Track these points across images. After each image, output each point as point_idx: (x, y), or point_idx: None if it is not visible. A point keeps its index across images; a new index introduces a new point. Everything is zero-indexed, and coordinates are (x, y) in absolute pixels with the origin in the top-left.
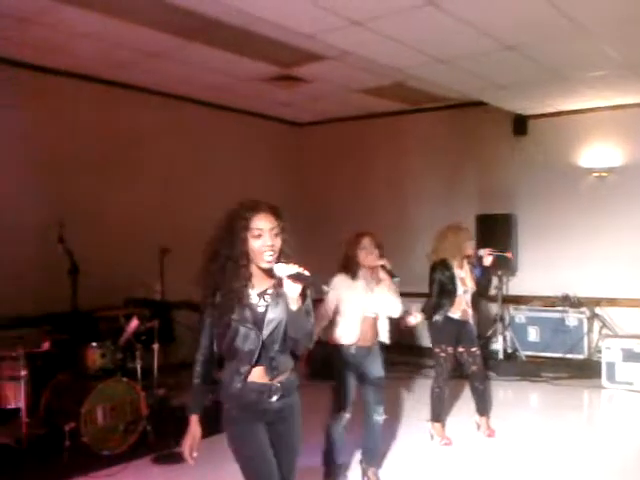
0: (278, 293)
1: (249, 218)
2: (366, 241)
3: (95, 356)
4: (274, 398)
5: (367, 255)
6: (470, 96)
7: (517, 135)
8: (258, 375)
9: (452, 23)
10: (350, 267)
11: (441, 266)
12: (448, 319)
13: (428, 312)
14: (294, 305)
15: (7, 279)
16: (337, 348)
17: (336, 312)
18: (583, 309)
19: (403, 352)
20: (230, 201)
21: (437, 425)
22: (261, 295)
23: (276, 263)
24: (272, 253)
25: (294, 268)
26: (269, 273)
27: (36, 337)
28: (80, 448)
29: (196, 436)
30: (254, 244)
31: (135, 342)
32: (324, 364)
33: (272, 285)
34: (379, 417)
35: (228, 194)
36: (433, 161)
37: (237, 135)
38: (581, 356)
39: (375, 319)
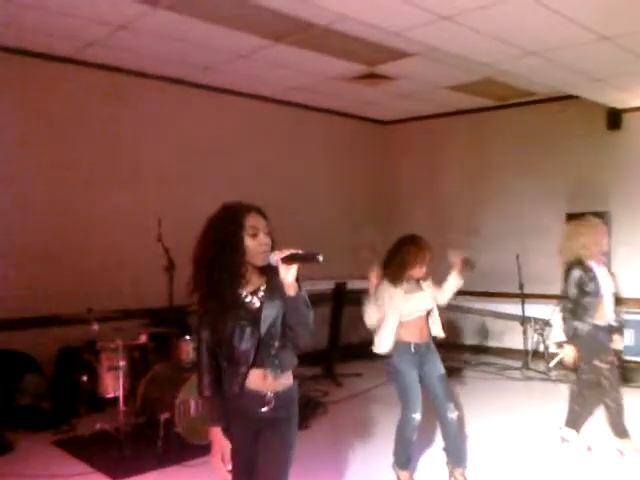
0: (272, 289)
1: (243, 218)
2: (427, 257)
3: (189, 349)
4: (265, 408)
5: (420, 270)
6: (562, 90)
7: (611, 129)
8: (255, 379)
9: (546, 14)
10: (397, 273)
11: (579, 264)
12: (595, 327)
13: (568, 313)
14: (291, 291)
15: (109, 275)
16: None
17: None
18: None
19: (480, 352)
20: (316, 199)
21: (572, 431)
22: (254, 293)
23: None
24: (267, 251)
25: (286, 251)
26: (262, 271)
27: (135, 330)
28: (173, 437)
29: (225, 449)
30: (250, 243)
31: None
32: None
33: (264, 281)
34: (452, 414)
35: (314, 193)
36: (520, 157)
37: (322, 134)
38: None
39: (426, 316)
